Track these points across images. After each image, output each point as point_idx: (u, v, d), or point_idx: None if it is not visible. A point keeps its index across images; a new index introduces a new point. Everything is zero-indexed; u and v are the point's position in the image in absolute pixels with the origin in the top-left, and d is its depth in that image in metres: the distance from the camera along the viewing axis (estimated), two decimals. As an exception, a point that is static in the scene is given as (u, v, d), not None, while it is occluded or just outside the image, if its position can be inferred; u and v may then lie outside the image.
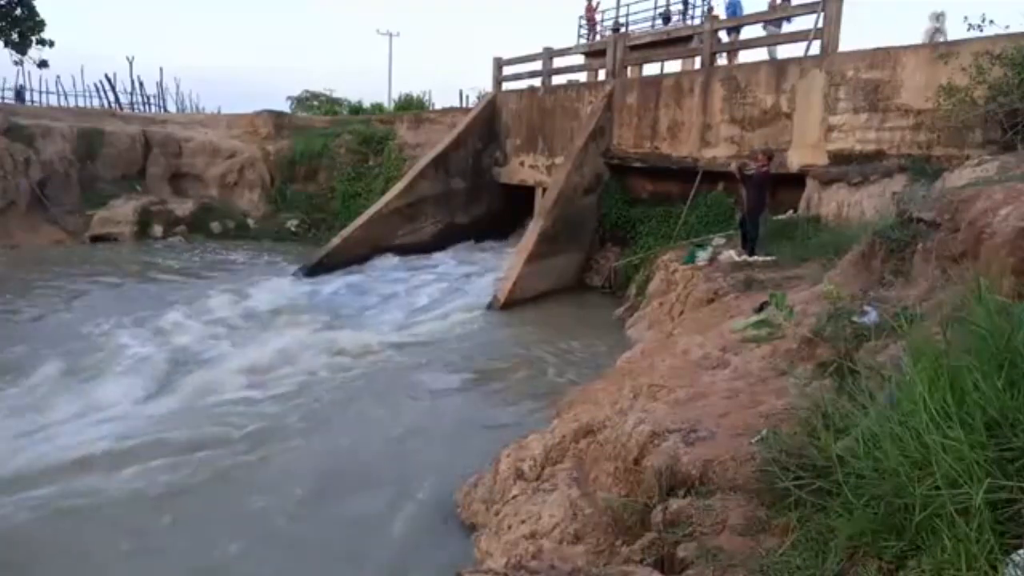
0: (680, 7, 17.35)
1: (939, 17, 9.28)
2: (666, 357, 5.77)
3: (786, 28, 11.19)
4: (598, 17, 18.92)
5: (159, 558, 4.45)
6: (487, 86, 17.78)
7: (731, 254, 8.98)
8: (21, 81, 21.35)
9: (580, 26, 19.98)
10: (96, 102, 22.40)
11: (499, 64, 16.59)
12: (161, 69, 25.28)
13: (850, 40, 9.81)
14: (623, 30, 17.35)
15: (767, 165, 9.03)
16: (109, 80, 23.08)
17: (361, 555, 4.49)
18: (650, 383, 4.78)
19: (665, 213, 11.95)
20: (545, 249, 11.80)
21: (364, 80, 66.06)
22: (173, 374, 7.70)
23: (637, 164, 12.59)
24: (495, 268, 12.93)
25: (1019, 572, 1.59)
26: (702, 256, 9.24)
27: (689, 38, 13.20)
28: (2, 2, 18.34)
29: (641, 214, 12.38)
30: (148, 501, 5.07)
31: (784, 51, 11.10)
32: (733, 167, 9.17)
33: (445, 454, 5.89)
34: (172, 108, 24.77)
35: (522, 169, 15.78)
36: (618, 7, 18.66)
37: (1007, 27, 7.79)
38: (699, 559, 2.48)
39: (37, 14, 18.98)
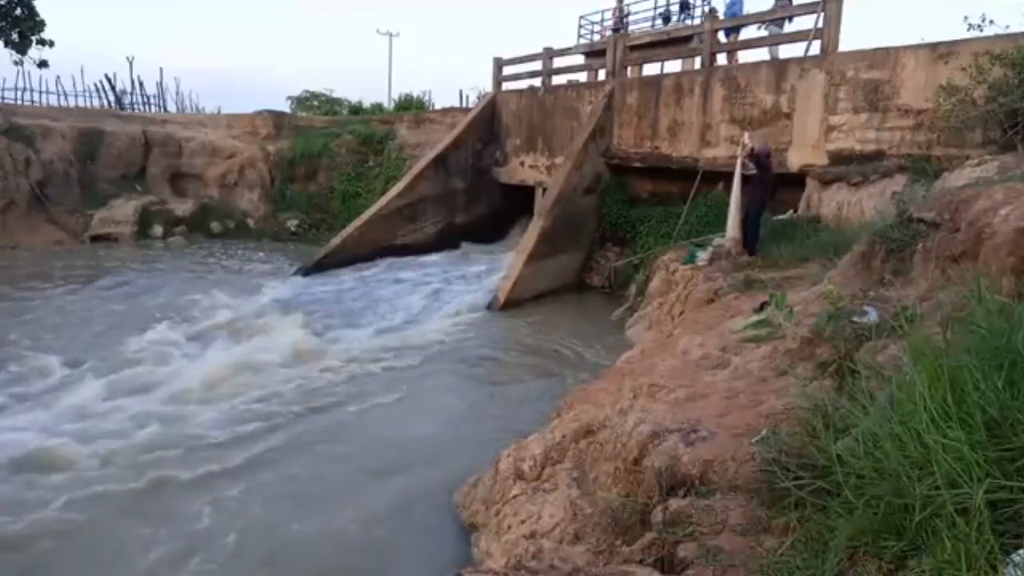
0: (678, 7, 17.32)
1: None
2: (666, 357, 5.77)
3: (786, 28, 11.19)
4: (612, 18, 18.32)
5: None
6: (487, 86, 17.79)
7: (730, 251, 8.94)
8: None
9: (580, 26, 19.96)
10: (96, 102, 22.38)
11: (499, 64, 16.60)
12: (161, 69, 25.27)
13: (850, 40, 9.83)
14: (623, 30, 17.34)
15: (768, 163, 8.93)
16: (109, 80, 23.06)
17: (361, 555, 4.49)
18: (650, 383, 4.78)
19: (665, 213, 11.96)
20: (545, 249, 11.80)
21: (364, 80, 66.08)
22: (167, 374, 7.69)
23: (637, 164, 12.59)
24: (495, 268, 12.93)
25: (1019, 572, 1.59)
26: (702, 256, 9.24)
27: (689, 38, 13.21)
28: (2, 2, 18.32)
29: (641, 214, 12.38)
30: (125, 507, 5.03)
31: (784, 51, 11.11)
32: (744, 150, 8.99)
33: (445, 454, 5.90)
34: (172, 108, 24.75)
35: (522, 169, 15.78)
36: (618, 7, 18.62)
37: (1007, 27, 7.80)
38: (699, 559, 2.48)
39: (37, 14, 18.95)
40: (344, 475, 5.53)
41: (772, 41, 11.37)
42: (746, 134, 9.07)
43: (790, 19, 11.18)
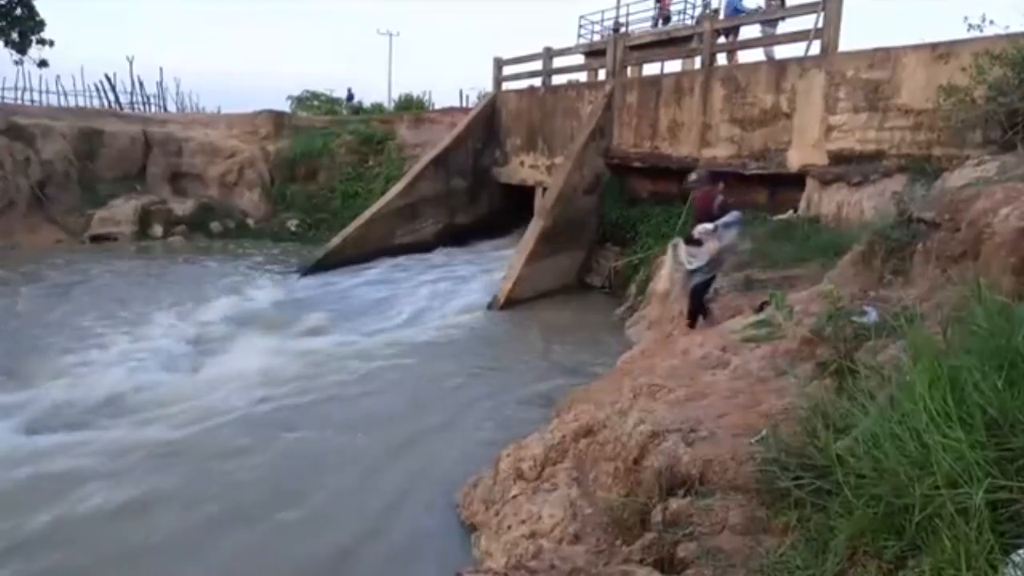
0: (680, 7, 17.33)
1: None
2: (666, 357, 5.78)
3: (785, 28, 11.19)
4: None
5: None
6: (487, 86, 17.80)
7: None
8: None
9: (580, 26, 20.00)
10: (96, 102, 22.42)
11: (499, 64, 16.60)
12: (161, 69, 25.36)
13: (850, 40, 9.82)
14: (623, 30, 17.35)
15: (711, 193, 6.60)
16: (109, 80, 23.11)
17: (360, 555, 4.48)
18: (650, 383, 4.78)
19: (665, 213, 11.93)
20: (545, 249, 11.80)
21: (364, 80, 66.14)
22: (165, 374, 7.70)
23: (637, 164, 12.58)
24: (495, 268, 12.92)
25: (1019, 572, 1.59)
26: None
27: (689, 38, 13.20)
28: (2, 2, 18.34)
29: (641, 214, 12.37)
30: (125, 519, 4.94)
31: (784, 51, 11.11)
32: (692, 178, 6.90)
33: (445, 454, 5.89)
34: (172, 108, 24.78)
35: (522, 169, 15.78)
36: (618, 7, 18.66)
37: (1007, 27, 7.79)
38: (699, 559, 2.48)
39: (37, 14, 19.00)
40: (343, 475, 5.53)
41: (770, 41, 11.38)
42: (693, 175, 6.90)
43: (783, 19, 11.21)
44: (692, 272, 6.49)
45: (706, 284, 6.65)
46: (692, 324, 6.70)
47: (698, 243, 6.38)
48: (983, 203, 3.97)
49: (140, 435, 6.06)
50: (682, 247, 6.60)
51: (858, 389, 2.75)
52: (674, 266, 6.76)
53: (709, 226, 6.20)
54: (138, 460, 5.61)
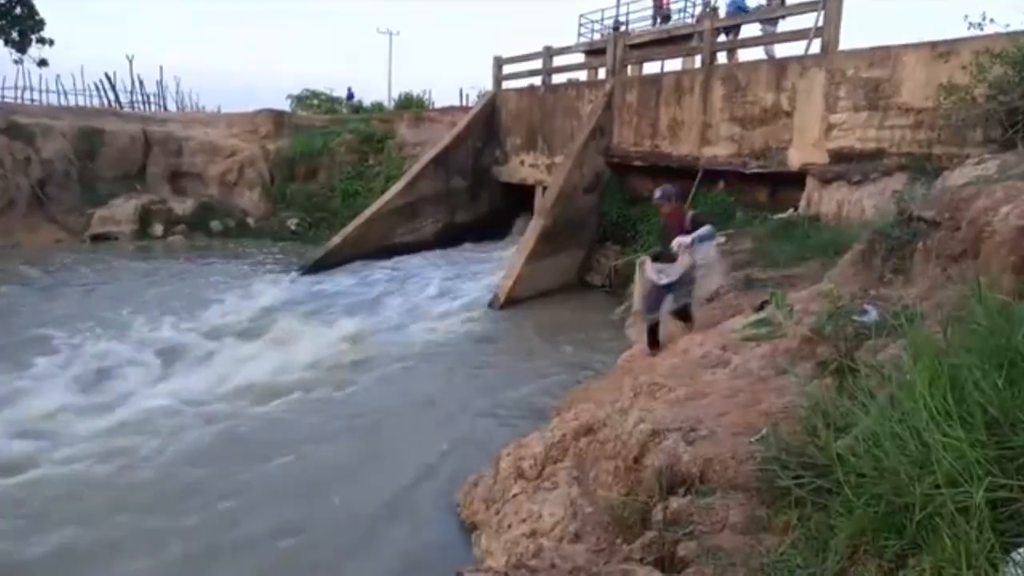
0: (680, 5, 17.30)
1: None
2: (666, 356, 5.78)
3: (785, 26, 11.18)
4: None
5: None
6: (487, 85, 17.79)
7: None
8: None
9: (580, 25, 19.98)
10: (96, 101, 22.41)
11: (499, 63, 16.58)
12: (161, 68, 25.38)
13: (850, 39, 9.82)
14: (623, 29, 17.32)
15: (680, 207, 6.59)
16: (109, 79, 23.09)
17: (360, 555, 4.49)
18: (650, 382, 4.78)
19: (666, 212, 11.93)
20: (545, 248, 11.79)
21: (364, 79, 66.09)
22: (165, 372, 7.72)
23: (637, 163, 12.58)
24: (495, 267, 12.92)
25: (1019, 571, 1.59)
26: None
27: (689, 37, 13.19)
28: (2, 1, 18.33)
29: (641, 213, 12.34)
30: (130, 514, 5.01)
31: (784, 49, 11.11)
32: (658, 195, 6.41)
33: (445, 453, 5.90)
34: (172, 107, 24.78)
35: (522, 168, 15.77)
36: (618, 6, 18.64)
37: (1007, 25, 7.78)
38: (699, 558, 2.48)
39: (37, 13, 18.99)
40: (343, 475, 5.53)
41: (770, 40, 11.37)
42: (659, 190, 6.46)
43: (783, 18, 11.20)
44: (667, 290, 6.25)
45: (684, 308, 6.48)
46: (687, 323, 6.57)
47: (671, 259, 6.16)
48: (983, 202, 3.96)
49: (115, 444, 6.03)
50: (648, 264, 6.37)
51: (858, 388, 2.75)
52: (642, 285, 6.50)
53: (687, 239, 6.03)
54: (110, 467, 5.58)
